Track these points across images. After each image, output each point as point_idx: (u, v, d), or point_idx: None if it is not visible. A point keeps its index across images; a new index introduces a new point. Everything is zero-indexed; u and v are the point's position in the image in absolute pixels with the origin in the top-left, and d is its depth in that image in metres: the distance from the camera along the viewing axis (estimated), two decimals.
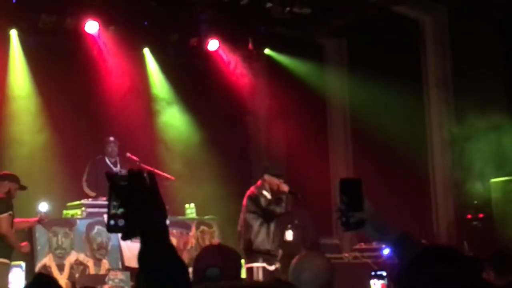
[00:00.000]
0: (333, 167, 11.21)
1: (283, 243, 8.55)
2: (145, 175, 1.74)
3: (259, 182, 7.77)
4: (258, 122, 11.75)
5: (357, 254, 8.42)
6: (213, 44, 10.61)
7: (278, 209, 7.62)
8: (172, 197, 9.01)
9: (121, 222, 1.71)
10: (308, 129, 10.87)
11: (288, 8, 9.70)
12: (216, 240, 9.42)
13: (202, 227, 9.46)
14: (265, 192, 7.63)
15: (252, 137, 11.80)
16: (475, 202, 9.16)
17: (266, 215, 7.66)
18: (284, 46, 10.92)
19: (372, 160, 9.91)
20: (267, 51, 11.19)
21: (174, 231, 9.10)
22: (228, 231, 9.67)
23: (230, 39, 10.63)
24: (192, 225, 9.39)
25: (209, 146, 10.73)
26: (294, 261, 3.28)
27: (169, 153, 10.51)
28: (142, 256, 1.69)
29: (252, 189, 7.76)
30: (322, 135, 11.30)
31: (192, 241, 9.28)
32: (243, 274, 7.23)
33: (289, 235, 8.85)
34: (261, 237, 7.71)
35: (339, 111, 11.37)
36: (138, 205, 1.70)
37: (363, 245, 8.55)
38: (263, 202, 7.61)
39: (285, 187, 7.64)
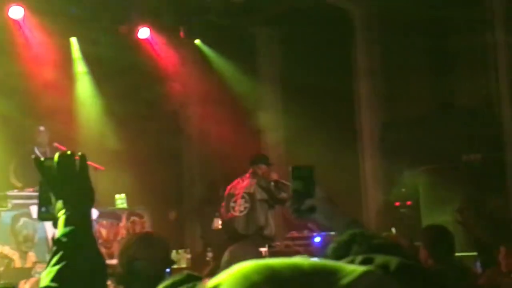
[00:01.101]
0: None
1: (211, 231, 8.68)
2: (75, 157, 1.66)
3: (251, 171, 8.10)
4: (188, 112, 11.65)
5: (289, 242, 8.47)
6: (143, 32, 10.43)
7: (286, 195, 7.83)
8: (102, 187, 8.83)
9: (52, 209, 1.63)
10: (239, 118, 10.84)
11: None
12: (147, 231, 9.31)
13: (132, 218, 9.33)
14: (272, 182, 8.04)
15: (183, 128, 11.69)
16: (403, 190, 9.36)
17: (276, 202, 8.07)
18: (217, 35, 10.84)
19: (304, 149, 9.97)
20: (197, 41, 11.07)
21: (104, 222, 8.94)
22: (159, 221, 9.58)
23: (161, 27, 10.47)
24: (123, 215, 9.25)
25: (140, 136, 10.56)
26: (225, 254, 3.24)
27: (99, 143, 10.28)
28: (61, 240, 1.60)
29: (251, 178, 8.07)
30: (255, 128, 11.28)
31: (123, 232, 9.14)
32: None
33: (217, 222, 9.02)
34: (271, 223, 8.07)
35: (270, 100, 11.40)
36: (66, 191, 1.63)
37: (294, 234, 8.61)
38: (273, 190, 8.03)
39: (274, 175, 8.12)
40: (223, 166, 10.44)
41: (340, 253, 1.79)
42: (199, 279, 1.33)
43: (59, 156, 1.65)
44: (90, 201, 1.68)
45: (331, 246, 1.83)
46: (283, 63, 11.31)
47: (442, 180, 8.82)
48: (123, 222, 9.21)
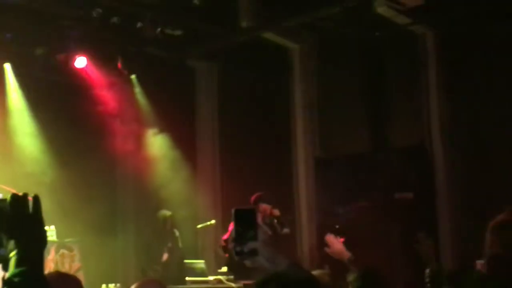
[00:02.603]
0: (202, 191, 11.17)
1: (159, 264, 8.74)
2: (29, 199, 1.65)
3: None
4: (124, 143, 11.48)
5: (221, 277, 8.37)
6: (80, 61, 10.28)
7: (288, 231, 8.69)
8: None
9: (2, 251, 1.59)
10: (177, 155, 10.78)
11: (159, 29, 9.60)
12: (76, 264, 9.08)
13: (62, 251, 9.07)
14: (274, 219, 8.51)
15: (118, 160, 11.50)
16: (337, 226, 9.40)
17: (279, 238, 8.44)
18: (155, 67, 10.80)
19: (239, 184, 9.96)
20: (133, 77, 11.00)
21: None
22: (89, 254, 9.34)
23: (98, 57, 10.35)
24: (52, 248, 8.98)
25: (72, 166, 10.33)
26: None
27: (27, 173, 9.99)
28: (12, 281, 1.58)
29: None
30: (192, 160, 11.22)
31: (51, 265, 8.86)
32: None
33: (165, 255, 9.01)
34: None
35: (209, 135, 11.38)
36: (19, 232, 1.60)
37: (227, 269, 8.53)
38: (277, 226, 8.50)
39: (276, 212, 8.58)
40: (161, 202, 10.31)
41: None
42: None
43: (12, 197, 1.66)
44: (43, 242, 1.70)
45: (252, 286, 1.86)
46: (221, 98, 11.33)
47: (376, 217, 8.94)
48: (51, 255, 8.94)
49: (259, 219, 8.37)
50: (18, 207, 1.65)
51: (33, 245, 1.64)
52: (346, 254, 4.81)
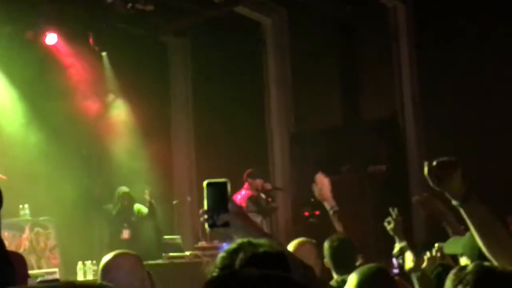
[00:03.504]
0: (176, 167, 11.17)
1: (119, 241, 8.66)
2: None
3: (246, 185, 8.55)
4: (99, 121, 11.39)
5: (198, 252, 8.42)
6: (51, 38, 10.14)
7: (275, 205, 8.86)
8: (5, 197, 8.49)
9: None
10: (151, 129, 10.71)
11: (130, 4, 9.49)
12: (52, 242, 9.06)
13: (36, 229, 9.02)
14: (261, 194, 8.59)
15: (93, 136, 11.40)
16: (312, 199, 9.49)
17: (266, 213, 8.61)
18: (126, 43, 10.69)
19: (214, 159, 9.98)
20: (104, 54, 10.84)
21: (6, 233, 8.57)
22: (64, 232, 9.31)
23: (69, 33, 10.21)
24: (26, 226, 8.93)
25: (46, 144, 10.23)
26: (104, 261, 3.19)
27: (3, 153, 9.89)
28: None
29: (247, 192, 8.52)
30: (166, 135, 11.19)
31: (26, 243, 8.83)
32: None
33: (125, 233, 8.95)
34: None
35: (182, 111, 11.35)
36: None
37: (204, 244, 8.58)
38: (262, 202, 8.58)
39: (268, 186, 8.77)
40: (134, 179, 10.27)
41: (227, 262, 1.84)
42: None
43: None
44: None
45: (220, 255, 1.88)
46: (194, 74, 11.29)
47: (350, 191, 9.02)
48: (26, 234, 8.90)
49: (253, 193, 8.55)
50: None
51: None
52: (331, 201, 4.81)
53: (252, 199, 8.58)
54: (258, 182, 8.67)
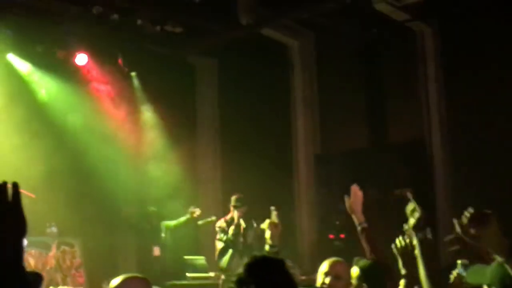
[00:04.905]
0: (202, 188, 11.19)
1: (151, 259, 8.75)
2: (8, 187, 1.61)
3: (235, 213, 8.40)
4: (126, 142, 11.47)
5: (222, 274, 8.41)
6: (81, 58, 10.28)
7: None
8: (33, 216, 8.55)
9: None
10: (177, 151, 10.76)
11: (159, 27, 9.62)
12: (77, 260, 9.12)
13: (63, 247, 9.10)
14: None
15: (121, 157, 11.47)
16: (337, 222, 9.44)
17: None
18: (155, 63, 10.80)
19: (239, 180, 9.99)
20: (133, 73, 10.95)
21: (33, 251, 8.68)
22: (90, 250, 9.37)
23: (99, 54, 10.35)
24: (53, 245, 9.01)
25: (73, 164, 10.31)
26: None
27: (30, 170, 9.98)
28: None
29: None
30: (192, 155, 11.23)
31: (52, 261, 8.90)
32: None
33: (156, 250, 9.01)
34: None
35: (209, 132, 11.40)
36: None
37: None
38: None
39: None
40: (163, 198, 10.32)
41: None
42: None
43: None
44: (22, 232, 1.63)
45: (237, 271, 1.88)
46: (221, 95, 11.35)
47: (375, 213, 8.93)
48: (52, 252, 8.98)
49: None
50: None
51: (12, 235, 1.60)
52: (361, 216, 4.72)
53: (221, 227, 8.35)
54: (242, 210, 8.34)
